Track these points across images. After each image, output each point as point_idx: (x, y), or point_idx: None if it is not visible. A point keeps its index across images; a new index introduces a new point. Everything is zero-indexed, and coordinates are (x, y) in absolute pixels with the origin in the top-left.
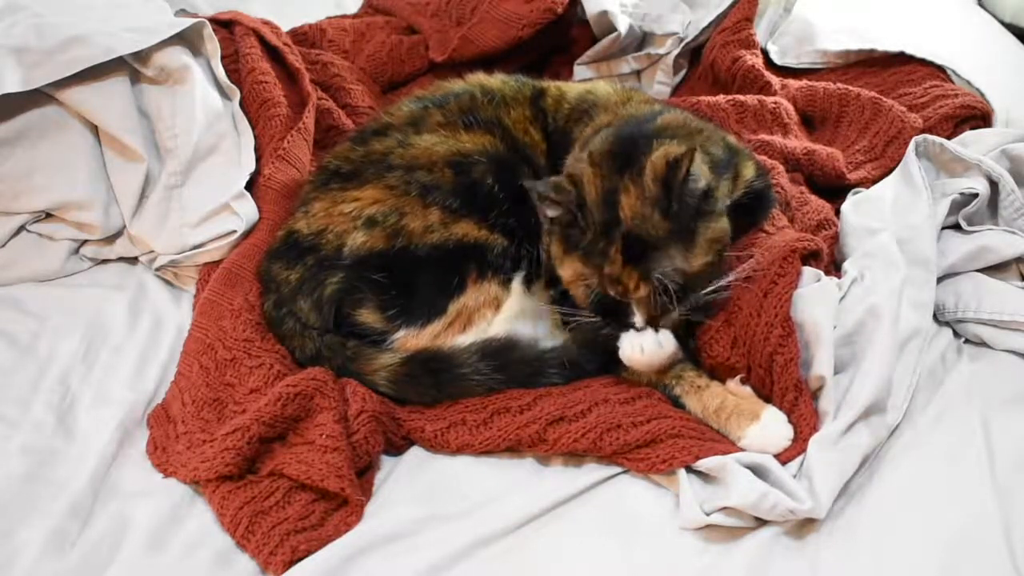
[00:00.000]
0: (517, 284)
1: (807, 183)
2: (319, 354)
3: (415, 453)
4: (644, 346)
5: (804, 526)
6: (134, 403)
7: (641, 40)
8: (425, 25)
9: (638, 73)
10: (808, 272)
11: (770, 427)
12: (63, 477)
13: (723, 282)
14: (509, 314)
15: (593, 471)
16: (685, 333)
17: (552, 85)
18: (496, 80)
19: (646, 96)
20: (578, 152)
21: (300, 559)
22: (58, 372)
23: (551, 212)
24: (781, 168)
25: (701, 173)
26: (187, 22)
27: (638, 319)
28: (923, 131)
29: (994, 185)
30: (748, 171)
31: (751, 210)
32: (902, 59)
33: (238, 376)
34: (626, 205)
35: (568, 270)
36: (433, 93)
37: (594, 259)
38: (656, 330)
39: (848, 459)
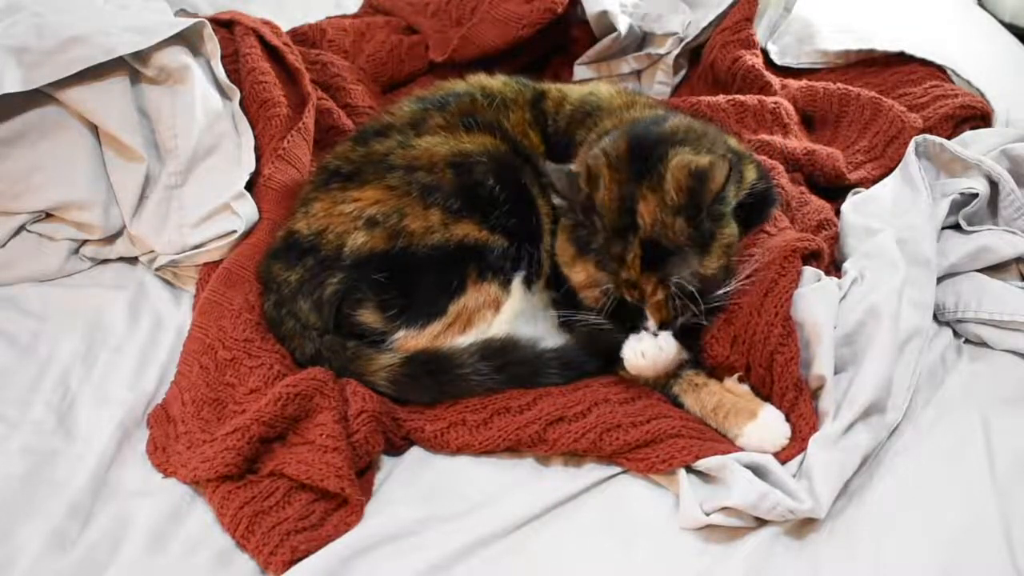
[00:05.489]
0: (517, 285)
1: (807, 183)
2: (319, 354)
3: (415, 453)
4: (645, 351)
5: (804, 526)
6: (134, 403)
7: (641, 40)
8: (425, 25)
9: (638, 73)
10: (808, 272)
11: (767, 425)
12: (63, 477)
13: (734, 285)
14: (509, 315)
15: (593, 471)
16: (688, 334)
17: (553, 87)
18: (497, 81)
19: (649, 99)
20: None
21: (300, 559)
22: (58, 372)
23: (556, 201)
24: (781, 168)
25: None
26: (187, 22)
27: (651, 323)
28: (923, 131)
29: (994, 185)
30: (750, 174)
31: (754, 211)
32: (902, 59)
33: (238, 376)
34: (645, 212)
35: (581, 274)
36: (434, 94)
37: (609, 264)
38: (673, 333)
39: (848, 459)
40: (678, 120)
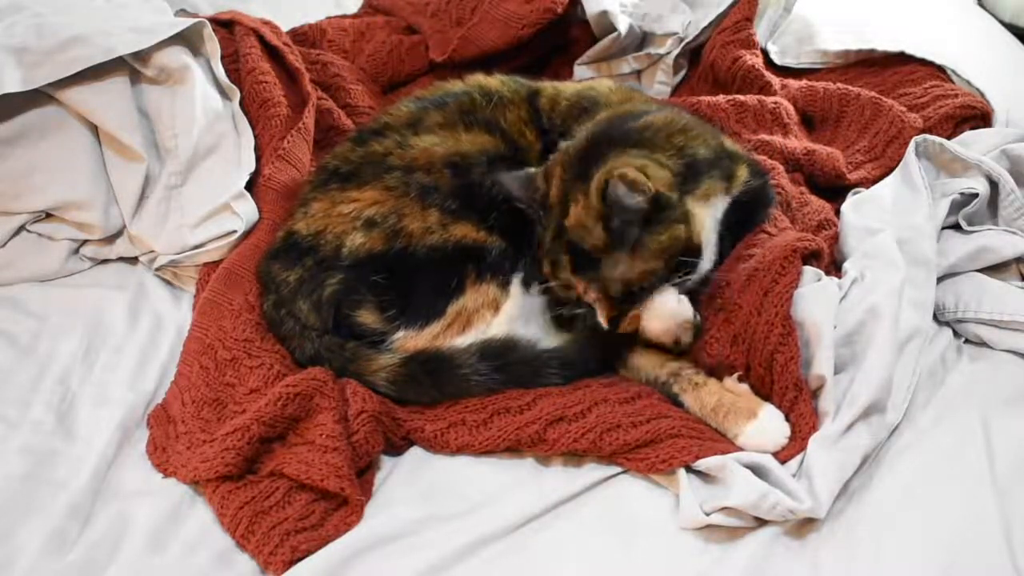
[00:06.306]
0: (516, 285)
1: (807, 183)
2: (318, 355)
3: (415, 453)
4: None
5: (804, 526)
6: (134, 403)
7: (641, 40)
8: (425, 25)
9: (638, 73)
10: (808, 272)
11: (767, 425)
12: (63, 477)
13: (704, 270)
14: (508, 315)
15: (593, 471)
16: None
17: (548, 85)
18: (495, 81)
19: (647, 97)
20: None
21: (300, 559)
22: (58, 372)
23: (521, 206)
24: (781, 168)
25: (643, 189)
26: (187, 22)
27: (600, 318)
28: (923, 131)
29: (994, 185)
30: (742, 173)
31: (751, 209)
32: (902, 59)
33: (238, 376)
34: (572, 215)
35: (544, 267)
36: (432, 94)
37: (554, 264)
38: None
39: (848, 459)
40: (658, 116)
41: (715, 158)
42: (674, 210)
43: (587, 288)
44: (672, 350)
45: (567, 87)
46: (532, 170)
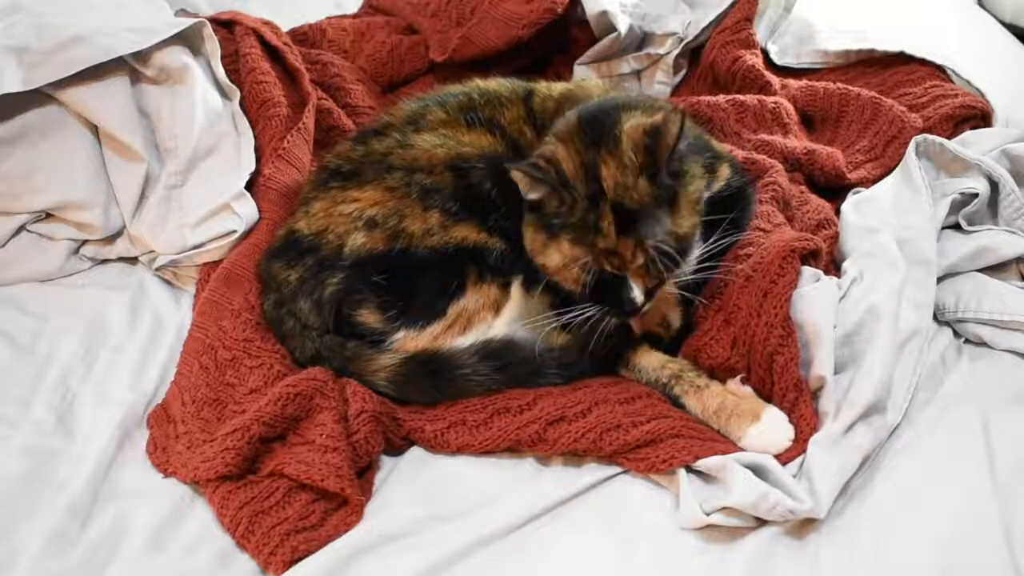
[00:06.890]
0: (517, 287)
1: (807, 183)
2: (319, 354)
3: (415, 453)
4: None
5: (804, 526)
6: (134, 403)
7: (641, 40)
8: (425, 25)
9: (638, 73)
10: (808, 272)
11: (771, 427)
12: (63, 477)
13: (705, 250)
14: (509, 317)
15: (593, 471)
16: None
17: (542, 84)
18: (492, 82)
19: (638, 94)
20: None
21: (300, 559)
22: (58, 372)
23: (534, 194)
24: (781, 167)
25: (686, 135)
26: (187, 22)
27: (636, 292)
28: (923, 131)
29: (994, 185)
30: (725, 171)
31: (729, 206)
32: (902, 59)
33: (238, 376)
34: (608, 176)
35: (555, 256)
36: (432, 94)
37: (586, 236)
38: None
39: (848, 459)
40: (636, 100)
41: (696, 145)
42: (689, 164)
43: (635, 252)
44: (660, 335)
45: (557, 87)
46: (533, 158)
